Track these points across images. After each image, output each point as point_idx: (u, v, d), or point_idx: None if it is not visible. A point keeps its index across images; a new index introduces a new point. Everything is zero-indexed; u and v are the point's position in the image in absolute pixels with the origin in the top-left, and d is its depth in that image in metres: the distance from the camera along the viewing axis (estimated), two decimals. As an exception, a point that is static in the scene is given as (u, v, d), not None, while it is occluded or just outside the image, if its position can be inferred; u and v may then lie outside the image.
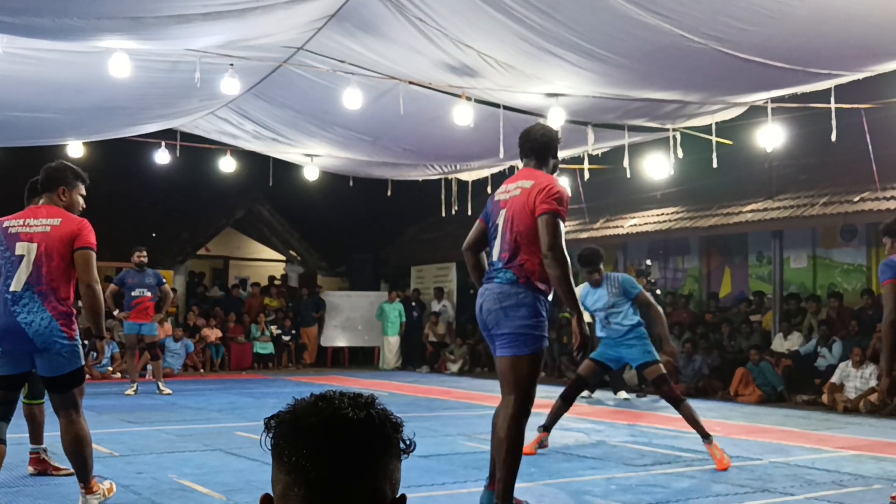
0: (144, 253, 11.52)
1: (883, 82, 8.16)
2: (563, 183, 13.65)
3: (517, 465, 4.38)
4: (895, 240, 5.36)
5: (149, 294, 11.47)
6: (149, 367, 12.98)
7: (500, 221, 4.50)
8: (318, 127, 11.43)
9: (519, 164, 13.63)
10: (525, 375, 4.38)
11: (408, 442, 1.25)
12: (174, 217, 18.74)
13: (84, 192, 4.82)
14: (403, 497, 1.23)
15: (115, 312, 11.81)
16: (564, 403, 7.05)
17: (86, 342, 5.24)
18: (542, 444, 7.03)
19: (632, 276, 7.64)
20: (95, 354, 4.64)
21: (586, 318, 5.05)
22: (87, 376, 14.22)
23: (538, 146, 4.73)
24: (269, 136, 12.08)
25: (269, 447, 1.22)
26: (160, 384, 11.57)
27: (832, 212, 11.52)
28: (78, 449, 4.52)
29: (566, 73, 8.37)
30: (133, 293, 11.42)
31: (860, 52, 7.41)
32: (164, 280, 11.93)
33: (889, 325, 4.99)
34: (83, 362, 4.65)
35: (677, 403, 6.56)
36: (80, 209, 4.78)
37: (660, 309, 7.30)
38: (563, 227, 4.39)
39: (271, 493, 1.22)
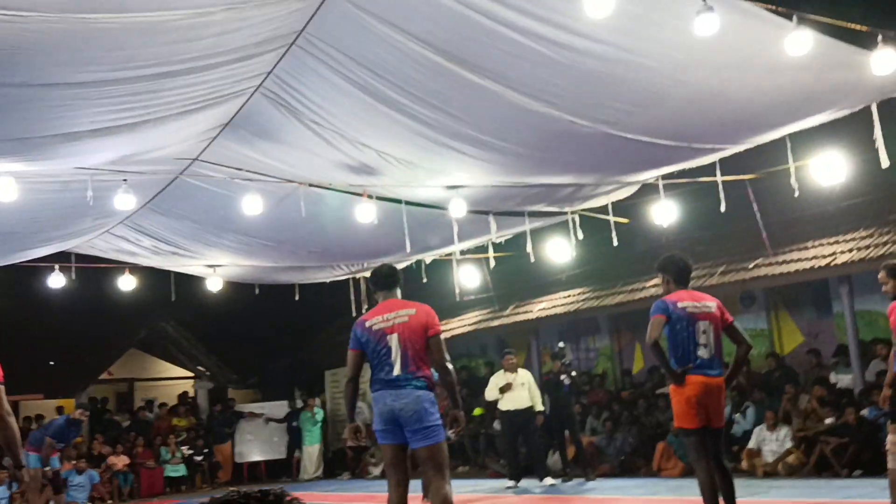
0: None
1: (763, 153, 8.59)
2: (471, 272, 13.85)
3: None
4: (668, 276, 6.16)
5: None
6: (51, 503, 12.25)
7: (393, 344, 5.50)
8: (218, 236, 11.26)
9: (425, 257, 13.69)
10: (447, 456, 5.53)
11: None
12: (73, 342, 17.97)
13: None
14: None
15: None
16: None
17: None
18: None
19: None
20: (18, 485, 4.54)
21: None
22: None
23: (393, 280, 5.84)
24: (169, 250, 11.81)
25: None
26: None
27: (730, 280, 11.89)
28: None
29: (464, 165, 8.52)
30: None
31: (738, 126, 7.81)
32: None
33: (651, 345, 6.02)
34: None
35: None
36: None
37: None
38: None
39: None
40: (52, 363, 17.02)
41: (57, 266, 11.95)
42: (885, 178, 8.69)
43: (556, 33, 5.97)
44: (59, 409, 16.04)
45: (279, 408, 17.75)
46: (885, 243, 10.42)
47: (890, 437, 6.11)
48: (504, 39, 6.06)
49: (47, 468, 11.42)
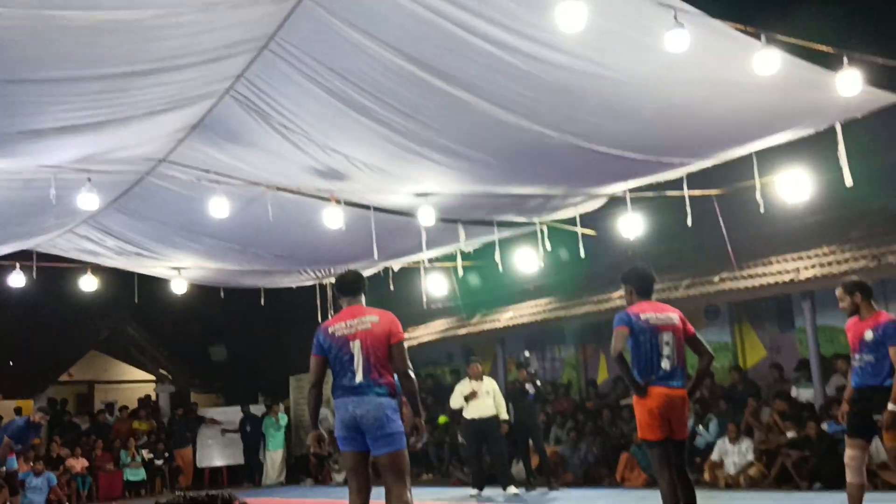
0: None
1: (730, 169, 8.67)
2: (439, 281, 13.83)
3: None
4: (631, 287, 6.15)
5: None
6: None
7: (356, 350, 5.48)
8: (184, 238, 11.14)
9: (393, 264, 13.66)
10: (408, 463, 5.51)
11: None
12: (33, 342, 17.68)
13: None
14: None
15: None
16: None
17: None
18: None
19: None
20: None
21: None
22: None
23: (357, 286, 5.80)
24: (133, 251, 11.67)
25: None
26: (19, 524, 10.85)
27: (695, 293, 12.00)
28: None
29: (434, 173, 8.52)
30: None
31: (705, 142, 7.89)
32: None
33: (616, 357, 5.99)
34: None
35: None
36: None
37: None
38: None
39: None
40: (10, 363, 16.73)
41: (18, 265, 11.76)
42: (848, 196, 8.80)
43: (528, 45, 5.99)
44: (18, 410, 15.77)
45: (235, 413, 17.56)
46: (846, 260, 10.57)
47: (848, 452, 6.19)
48: (476, 50, 6.07)
49: (2, 468, 11.23)
